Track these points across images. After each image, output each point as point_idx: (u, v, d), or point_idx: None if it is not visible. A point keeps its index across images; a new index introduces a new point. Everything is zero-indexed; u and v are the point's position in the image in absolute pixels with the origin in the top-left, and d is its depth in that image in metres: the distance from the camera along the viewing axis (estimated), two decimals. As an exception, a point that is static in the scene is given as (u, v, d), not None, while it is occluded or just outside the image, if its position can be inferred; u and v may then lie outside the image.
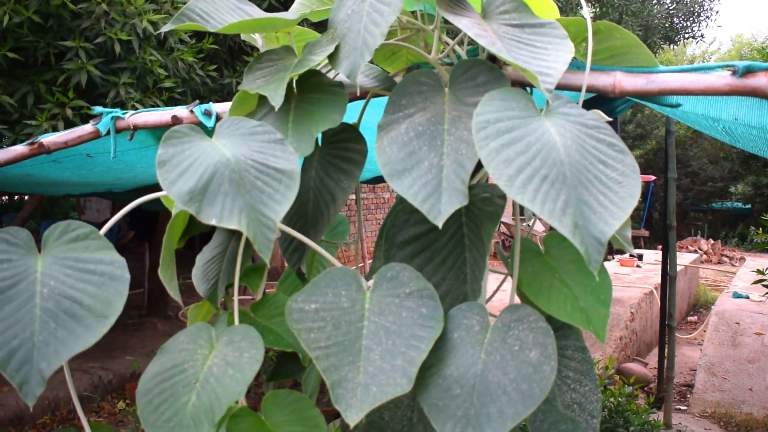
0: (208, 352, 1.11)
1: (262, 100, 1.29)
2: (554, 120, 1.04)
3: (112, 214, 11.22)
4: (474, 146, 1.00)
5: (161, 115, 1.85)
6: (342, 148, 1.34)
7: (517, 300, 1.17)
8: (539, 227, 13.77)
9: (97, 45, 4.23)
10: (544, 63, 1.07)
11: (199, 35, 5.13)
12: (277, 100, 1.15)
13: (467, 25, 1.11)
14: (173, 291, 1.32)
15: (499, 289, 1.41)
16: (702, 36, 15.03)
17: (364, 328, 1.01)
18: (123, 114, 1.95)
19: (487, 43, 1.07)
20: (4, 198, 14.19)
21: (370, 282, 1.09)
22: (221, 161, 1.05)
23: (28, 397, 0.91)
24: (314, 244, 1.25)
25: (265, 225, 1.02)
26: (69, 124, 4.14)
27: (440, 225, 0.98)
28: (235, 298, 1.30)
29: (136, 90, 4.34)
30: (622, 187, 0.97)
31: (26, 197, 8.25)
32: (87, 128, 2.02)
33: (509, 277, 1.23)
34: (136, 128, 1.94)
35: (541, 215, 0.92)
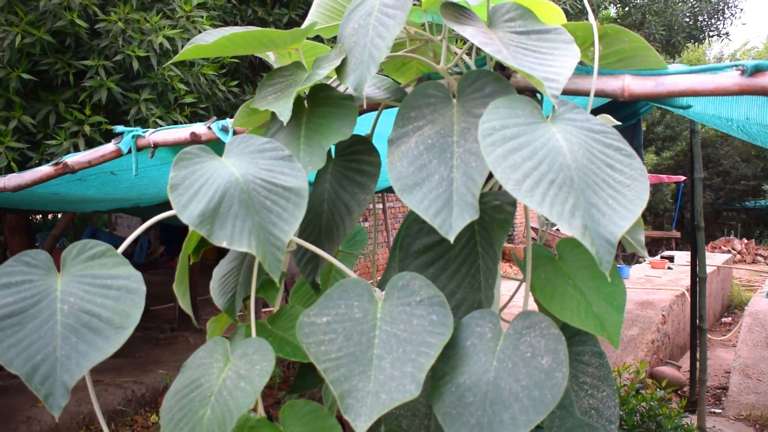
0: (223, 365, 1.13)
1: (275, 115, 1.30)
2: (560, 126, 1.05)
3: (145, 230, 11.31)
4: (483, 159, 1.01)
5: (180, 132, 1.88)
6: (356, 160, 1.35)
7: (532, 306, 1.17)
8: (567, 231, 13.61)
9: (116, 63, 4.30)
10: (549, 69, 1.08)
11: (219, 50, 5.16)
12: (285, 115, 1.16)
13: (472, 33, 1.12)
14: (185, 305, 1.34)
15: (515, 294, 1.41)
16: (727, 34, 14.84)
17: (376, 338, 1.01)
18: (143, 132, 1.98)
19: (493, 51, 1.08)
20: (38, 217, 14.41)
21: (382, 292, 1.09)
22: (230, 181, 1.06)
23: (54, 409, 0.94)
24: (328, 256, 1.27)
25: (274, 245, 1.04)
26: (89, 141, 4.22)
27: (452, 239, 0.99)
28: (251, 310, 1.32)
29: (158, 106, 4.40)
30: (631, 190, 0.98)
31: (59, 215, 8.38)
32: (109, 147, 2.06)
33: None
34: (156, 146, 1.97)
35: (550, 218, 0.93)
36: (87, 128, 4.16)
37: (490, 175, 1.15)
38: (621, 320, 1.16)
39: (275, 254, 1.03)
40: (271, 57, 1.52)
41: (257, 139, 1.17)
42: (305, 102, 1.30)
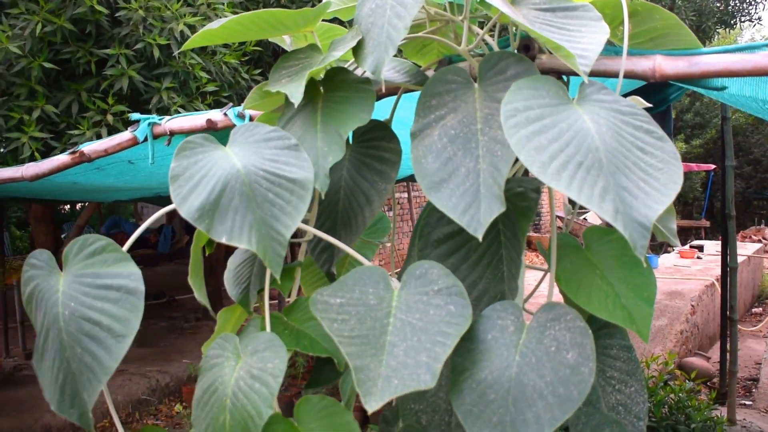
0: (235, 363, 1.10)
1: (289, 99, 1.25)
2: (587, 107, 0.99)
3: (169, 219, 11.40)
4: (509, 147, 0.96)
5: (196, 119, 1.85)
6: (375, 146, 1.30)
7: (557, 297, 1.12)
8: (596, 220, 13.50)
9: (137, 51, 4.30)
10: (578, 45, 1.02)
11: (241, 39, 5.12)
12: (296, 97, 1.11)
13: (499, 3, 1.06)
14: (202, 297, 1.30)
15: (539, 285, 1.35)
16: (759, 19, 14.54)
17: (390, 325, 0.97)
18: (159, 120, 1.95)
19: (525, 22, 1.02)
20: (66, 207, 14.56)
21: (398, 282, 1.05)
22: (232, 173, 1.02)
23: (91, 426, 0.93)
24: (342, 245, 1.22)
25: (276, 240, 0.99)
26: (112, 130, 4.22)
27: (480, 237, 0.94)
28: (266, 302, 1.28)
29: (179, 95, 4.37)
30: (664, 174, 0.92)
31: (87, 205, 8.43)
32: (125, 135, 2.03)
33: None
34: (172, 133, 1.94)
35: (579, 200, 0.88)
36: (110, 117, 4.16)
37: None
38: (651, 313, 1.11)
39: (276, 250, 0.99)
40: (286, 41, 1.47)
41: (263, 128, 1.12)
42: (320, 87, 1.25)
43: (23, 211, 12.62)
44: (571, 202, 1.09)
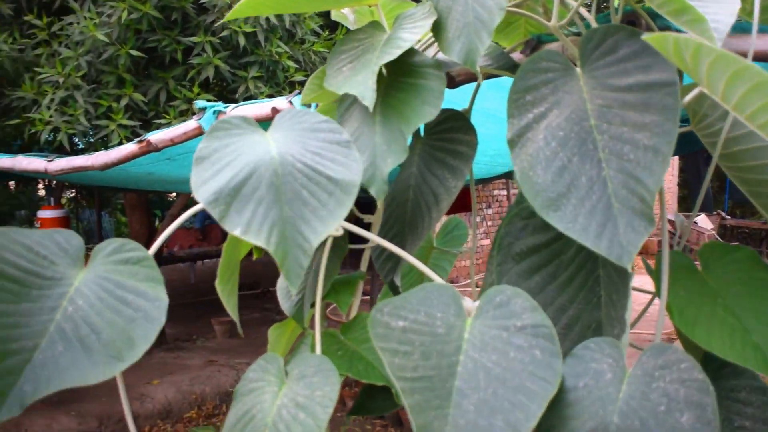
0: (277, 388, 0.94)
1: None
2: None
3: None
4: (645, 148, 0.77)
5: (261, 107, 1.72)
6: (448, 139, 1.11)
7: (667, 329, 0.90)
8: (706, 224, 12.67)
9: (223, 39, 4.24)
10: (707, 10, 0.80)
11: (332, 27, 5.02)
12: (368, 96, 0.93)
13: None
14: (231, 308, 1.13)
15: (644, 312, 1.13)
16: None
17: (459, 365, 0.77)
18: (225, 108, 1.83)
19: None
20: (172, 195, 14.95)
21: (474, 304, 0.84)
22: (263, 159, 0.84)
23: None
24: (407, 255, 1.02)
25: (300, 247, 0.80)
26: (199, 119, 4.20)
27: (629, 267, 0.74)
28: (317, 319, 1.10)
29: (267, 84, 4.28)
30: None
31: (179, 195, 8.55)
32: (191, 124, 1.93)
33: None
34: (239, 123, 1.81)
35: None
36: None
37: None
38: (794, 353, 0.87)
39: (298, 259, 0.79)
40: (349, 18, 1.30)
41: (314, 116, 0.94)
42: (383, 68, 1.06)
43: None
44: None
